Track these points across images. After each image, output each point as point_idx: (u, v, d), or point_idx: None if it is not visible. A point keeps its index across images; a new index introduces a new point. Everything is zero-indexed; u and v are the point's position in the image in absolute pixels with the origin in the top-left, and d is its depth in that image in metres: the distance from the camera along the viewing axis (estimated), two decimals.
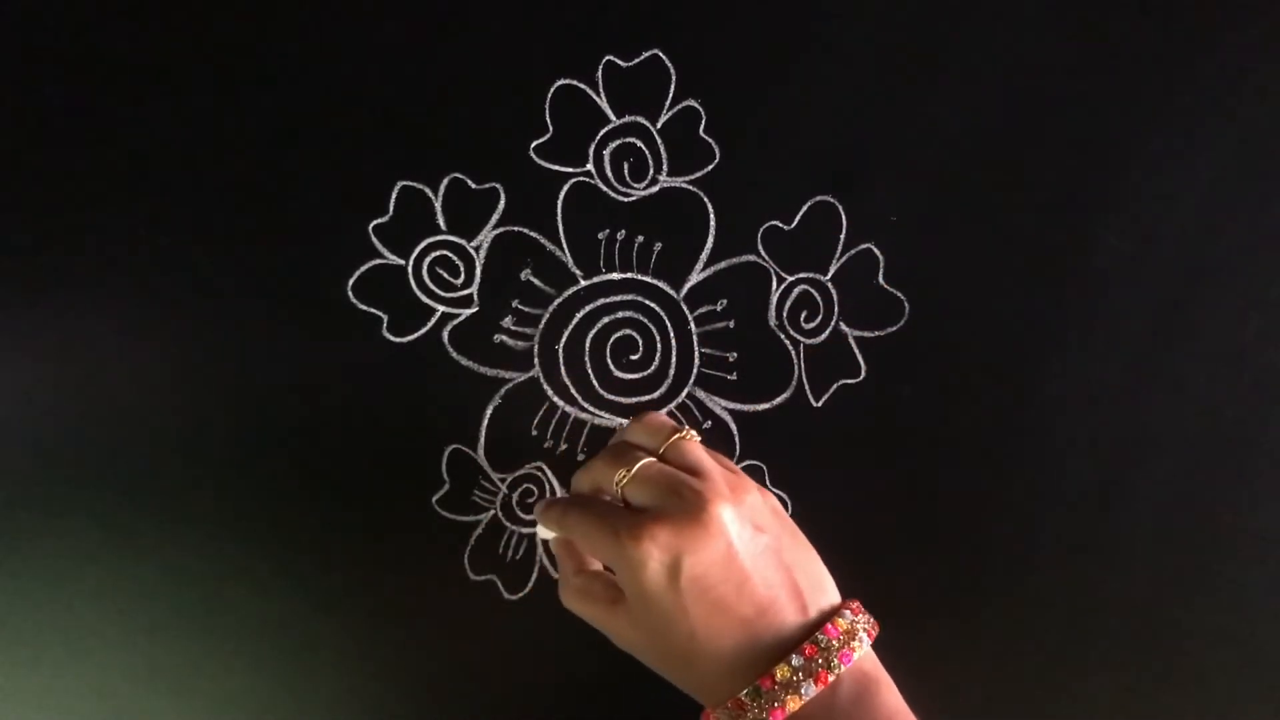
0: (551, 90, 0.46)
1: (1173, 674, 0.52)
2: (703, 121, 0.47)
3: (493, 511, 0.47)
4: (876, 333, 0.49)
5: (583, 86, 0.46)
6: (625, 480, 0.39)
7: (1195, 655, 0.52)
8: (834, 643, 0.37)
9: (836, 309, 0.48)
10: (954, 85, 0.48)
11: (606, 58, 0.46)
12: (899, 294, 0.49)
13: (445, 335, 0.46)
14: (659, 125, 0.47)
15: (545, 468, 0.47)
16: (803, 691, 0.36)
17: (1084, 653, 0.52)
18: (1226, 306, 0.50)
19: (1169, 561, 0.52)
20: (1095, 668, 0.52)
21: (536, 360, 0.47)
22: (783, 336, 0.48)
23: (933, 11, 0.48)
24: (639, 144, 0.46)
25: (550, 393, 0.47)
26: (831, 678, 0.36)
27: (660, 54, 0.46)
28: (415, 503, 0.46)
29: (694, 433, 0.41)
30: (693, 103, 0.47)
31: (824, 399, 0.49)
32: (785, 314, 0.48)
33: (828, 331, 0.49)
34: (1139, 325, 0.50)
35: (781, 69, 0.47)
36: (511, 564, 0.47)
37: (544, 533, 0.43)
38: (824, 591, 0.39)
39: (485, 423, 0.47)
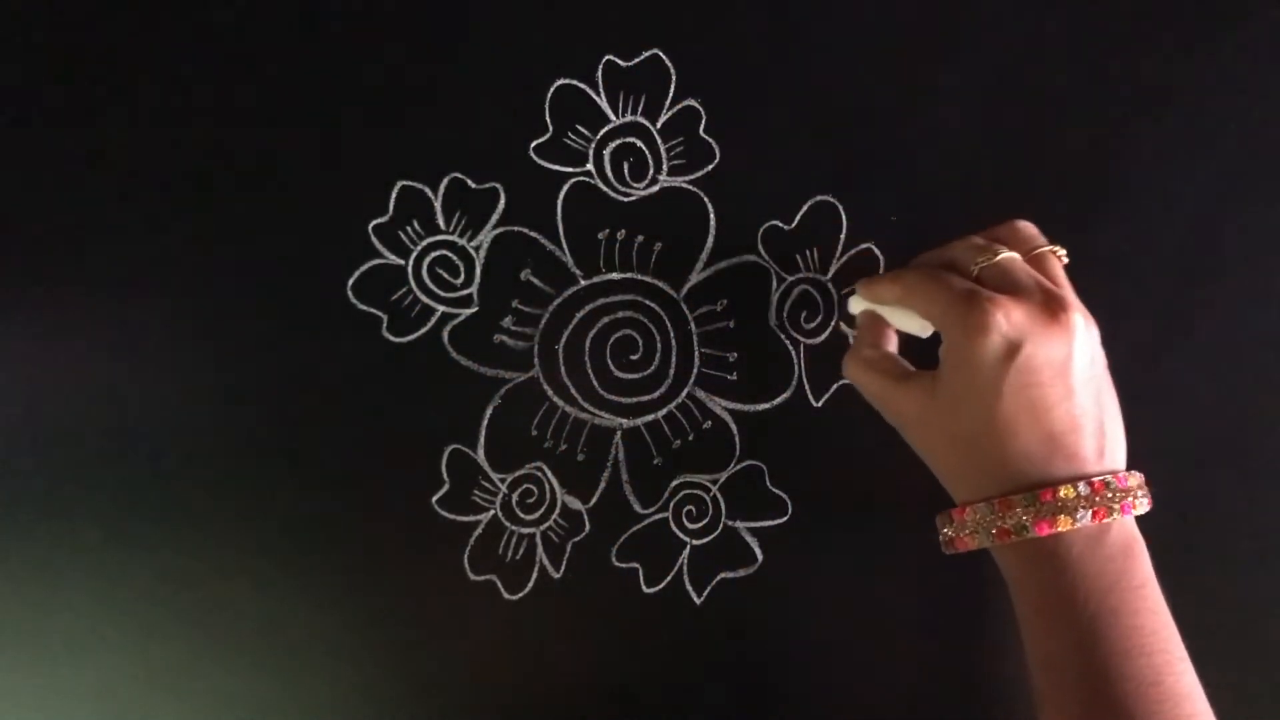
0: (551, 90, 0.46)
1: None
2: (703, 121, 0.47)
3: (492, 511, 0.47)
4: None
5: (583, 86, 0.46)
6: (989, 263, 0.39)
7: (1195, 655, 0.52)
8: (1121, 492, 0.37)
9: (837, 309, 0.48)
10: (954, 85, 0.48)
11: (606, 57, 0.46)
12: None
13: (445, 335, 0.46)
14: (659, 125, 0.47)
15: (545, 468, 0.47)
16: (1078, 517, 0.36)
17: None
18: (1226, 306, 0.50)
19: (1169, 561, 0.51)
20: None
21: (536, 360, 0.47)
22: (783, 336, 0.48)
23: (933, 11, 0.48)
24: (639, 144, 0.46)
25: (550, 393, 0.47)
26: (1108, 520, 0.36)
27: (660, 54, 0.46)
28: (415, 503, 0.46)
29: (1064, 251, 0.41)
30: (693, 102, 0.47)
31: (824, 399, 0.49)
32: (785, 314, 0.48)
33: (828, 331, 0.49)
34: (1139, 325, 0.50)
35: (781, 69, 0.47)
36: (511, 564, 0.47)
37: (856, 306, 0.43)
38: (1120, 447, 0.39)
39: (485, 423, 0.47)
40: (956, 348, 0.38)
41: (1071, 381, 0.37)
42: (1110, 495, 0.37)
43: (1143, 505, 0.38)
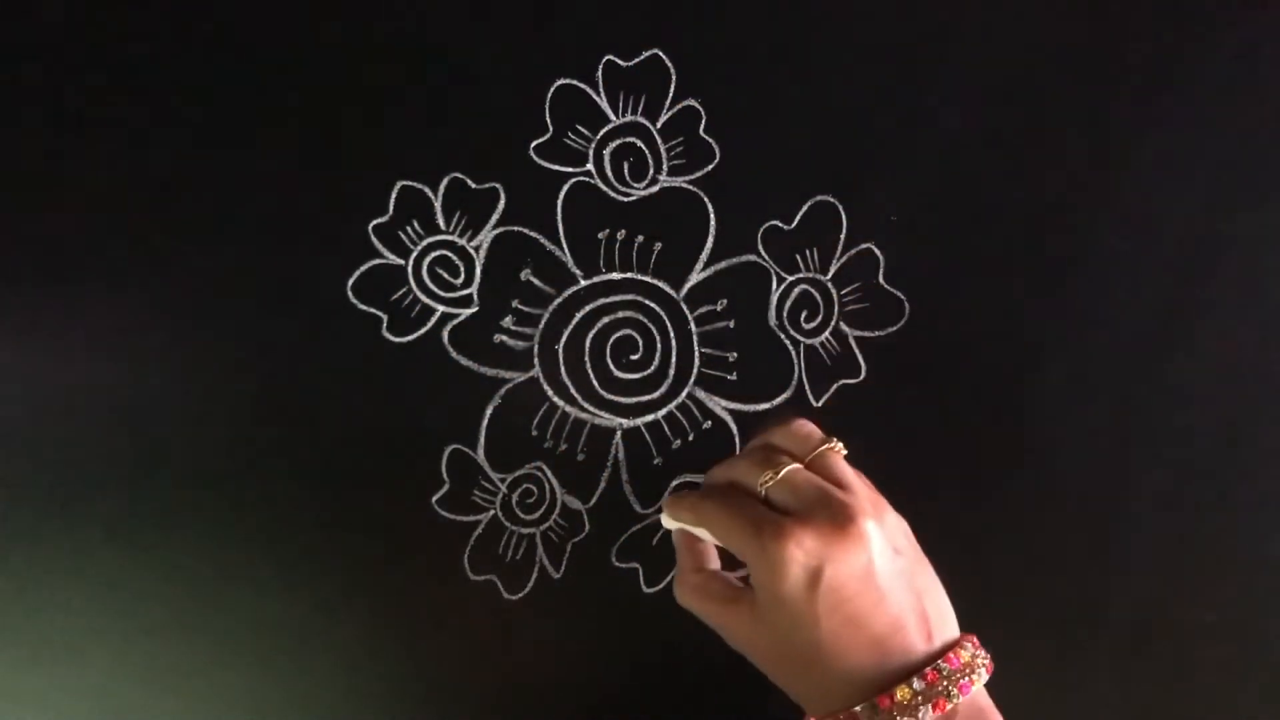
0: (551, 90, 0.46)
1: (1173, 674, 0.52)
2: (703, 121, 0.47)
3: (492, 511, 0.47)
4: (877, 333, 0.49)
5: (583, 86, 0.46)
6: (772, 482, 0.40)
7: (1195, 655, 0.52)
8: (955, 672, 0.37)
9: (837, 309, 0.48)
10: (954, 85, 0.48)
11: (606, 57, 0.46)
12: (899, 294, 0.49)
13: (445, 335, 0.46)
14: (659, 125, 0.47)
15: (545, 468, 0.47)
16: (920, 715, 0.36)
17: (1084, 653, 0.52)
18: (1226, 306, 0.50)
19: (1169, 561, 0.52)
20: (1095, 668, 0.52)
21: (536, 360, 0.47)
22: (783, 336, 0.48)
23: (933, 11, 0.48)
24: (639, 144, 0.46)
25: (550, 393, 0.47)
26: (949, 706, 0.36)
27: (660, 54, 0.46)
28: (415, 503, 0.46)
29: (840, 445, 0.41)
30: (693, 102, 0.47)
31: (824, 399, 0.49)
32: (785, 314, 0.48)
33: (828, 331, 0.49)
34: (1139, 325, 0.50)
35: (782, 69, 0.47)
36: (511, 564, 0.47)
37: (668, 522, 0.43)
38: (947, 621, 0.40)
39: (485, 423, 0.47)
40: (763, 583, 0.38)
41: (880, 584, 0.38)
42: (947, 682, 0.37)
43: (981, 676, 0.38)
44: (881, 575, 0.38)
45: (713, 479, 0.43)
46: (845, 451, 0.42)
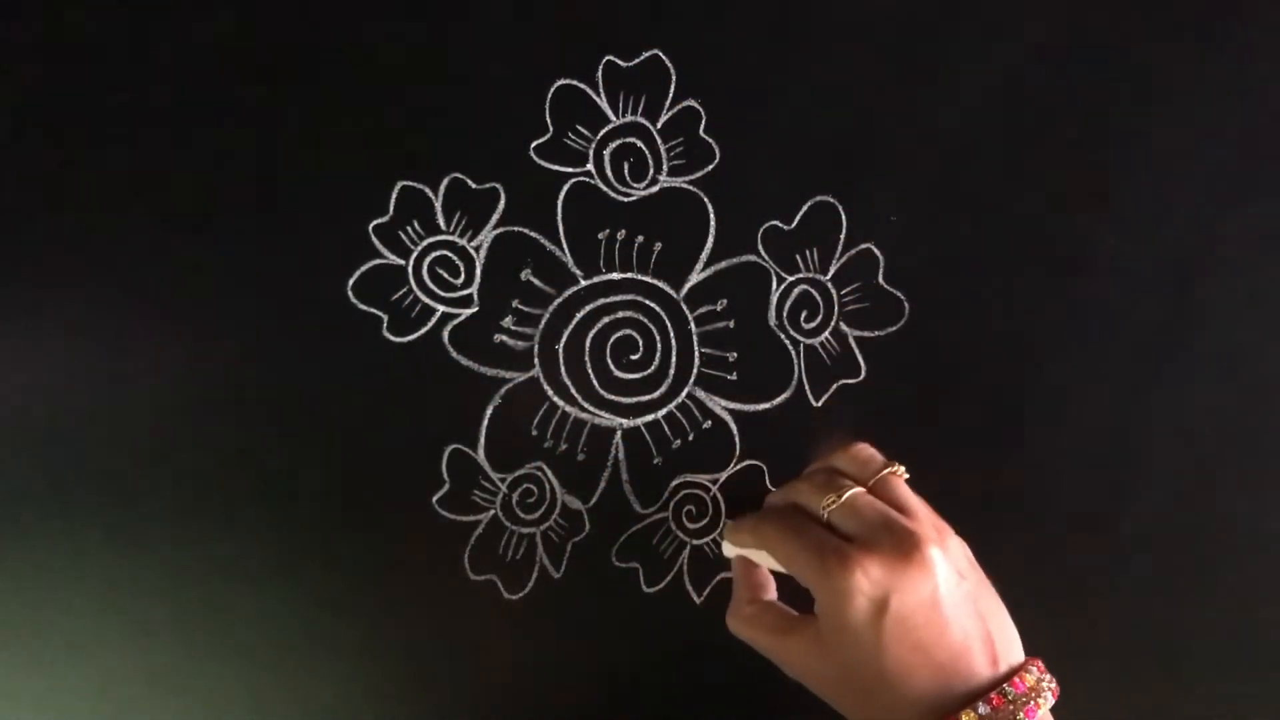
0: (551, 90, 0.46)
1: (1173, 674, 0.52)
2: (703, 122, 0.47)
3: (493, 511, 0.47)
4: (877, 333, 0.49)
5: (583, 86, 0.46)
6: (835, 506, 0.40)
7: (1196, 655, 0.52)
8: (1021, 697, 0.37)
9: (837, 309, 0.48)
10: (954, 85, 0.48)
11: (607, 58, 0.46)
12: (899, 294, 0.49)
13: (445, 335, 0.46)
14: (659, 125, 0.47)
15: (545, 468, 0.47)
16: None
17: (1084, 653, 0.52)
18: (1226, 306, 0.50)
19: (1169, 561, 0.52)
20: (1095, 667, 0.52)
21: (536, 360, 0.47)
22: (783, 336, 0.48)
23: (932, 11, 0.48)
24: (639, 144, 0.46)
25: (550, 393, 0.47)
26: None
27: (660, 54, 0.46)
28: (415, 503, 0.46)
29: (903, 469, 0.41)
30: (693, 103, 0.47)
31: (824, 399, 0.49)
32: (785, 314, 0.48)
33: (828, 331, 0.49)
34: (1139, 325, 0.50)
35: (781, 69, 0.47)
36: (511, 564, 0.47)
37: (730, 550, 0.43)
38: (1012, 645, 0.39)
39: (485, 423, 0.47)
40: (828, 611, 0.38)
41: (945, 611, 0.38)
42: (1013, 707, 0.37)
43: (1047, 700, 0.38)
44: (947, 602, 0.38)
45: (773, 502, 0.43)
46: (907, 475, 0.42)
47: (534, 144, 0.46)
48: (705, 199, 0.47)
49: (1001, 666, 0.38)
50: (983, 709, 0.37)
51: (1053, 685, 0.38)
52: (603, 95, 0.46)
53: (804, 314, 0.48)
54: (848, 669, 0.38)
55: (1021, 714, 0.37)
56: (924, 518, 0.40)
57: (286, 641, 0.46)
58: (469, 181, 0.46)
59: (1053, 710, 0.38)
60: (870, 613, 0.37)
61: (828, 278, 0.48)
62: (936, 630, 0.37)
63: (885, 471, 0.41)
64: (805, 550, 0.39)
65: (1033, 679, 0.38)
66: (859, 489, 0.40)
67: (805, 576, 0.39)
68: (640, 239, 0.47)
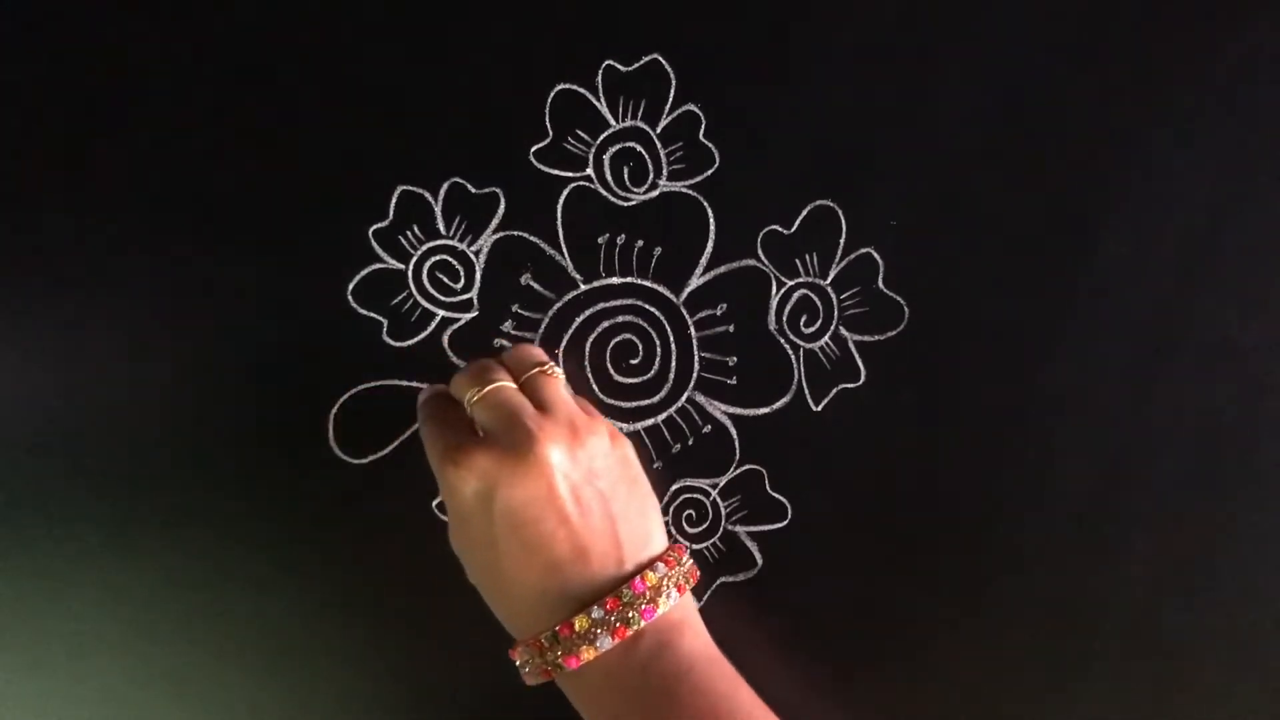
0: (551, 95, 0.46)
1: (1173, 675, 0.52)
2: (702, 126, 0.47)
3: None
4: (876, 337, 0.49)
5: (583, 91, 0.46)
6: (475, 399, 0.39)
7: (1195, 656, 0.53)
8: (638, 598, 0.37)
9: (836, 313, 0.48)
10: (954, 88, 0.48)
11: (606, 62, 0.46)
12: (899, 298, 0.49)
13: (445, 340, 0.46)
14: (659, 130, 0.47)
15: None
16: (598, 644, 0.36)
17: (1084, 653, 0.52)
18: (1226, 306, 0.50)
19: (1169, 561, 0.52)
20: (1095, 668, 0.52)
21: None
22: (782, 341, 0.48)
23: (932, 14, 0.47)
24: (639, 148, 0.46)
25: None
26: (630, 632, 0.36)
27: (660, 59, 0.46)
28: (415, 504, 0.47)
29: (559, 370, 0.41)
30: (692, 107, 0.46)
31: (824, 403, 0.49)
32: (785, 318, 0.48)
33: (827, 336, 0.49)
34: (1139, 326, 0.50)
35: (781, 73, 0.47)
36: None
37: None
38: (647, 545, 0.39)
39: None
40: (446, 502, 0.39)
41: (564, 510, 0.37)
42: (628, 608, 0.36)
43: (668, 600, 0.37)
44: (566, 500, 0.37)
45: (436, 390, 0.43)
46: (561, 376, 0.41)
47: (534, 149, 0.46)
48: (705, 203, 0.47)
49: (628, 566, 0.38)
50: (596, 612, 0.36)
51: (683, 577, 0.38)
52: (602, 100, 0.46)
53: (804, 318, 0.48)
54: (471, 564, 0.39)
55: (637, 614, 0.36)
56: (560, 416, 0.39)
57: (287, 643, 0.46)
58: (469, 186, 0.46)
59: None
60: (478, 506, 0.37)
61: (827, 282, 0.48)
62: (550, 527, 0.37)
63: (537, 369, 0.41)
64: (430, 438, 0.39)
65: (655, 578, 0.37)
66: (503, 384, 0.40)
67: (432, 464, 0.39)
68: (640, 243, 0.47)
